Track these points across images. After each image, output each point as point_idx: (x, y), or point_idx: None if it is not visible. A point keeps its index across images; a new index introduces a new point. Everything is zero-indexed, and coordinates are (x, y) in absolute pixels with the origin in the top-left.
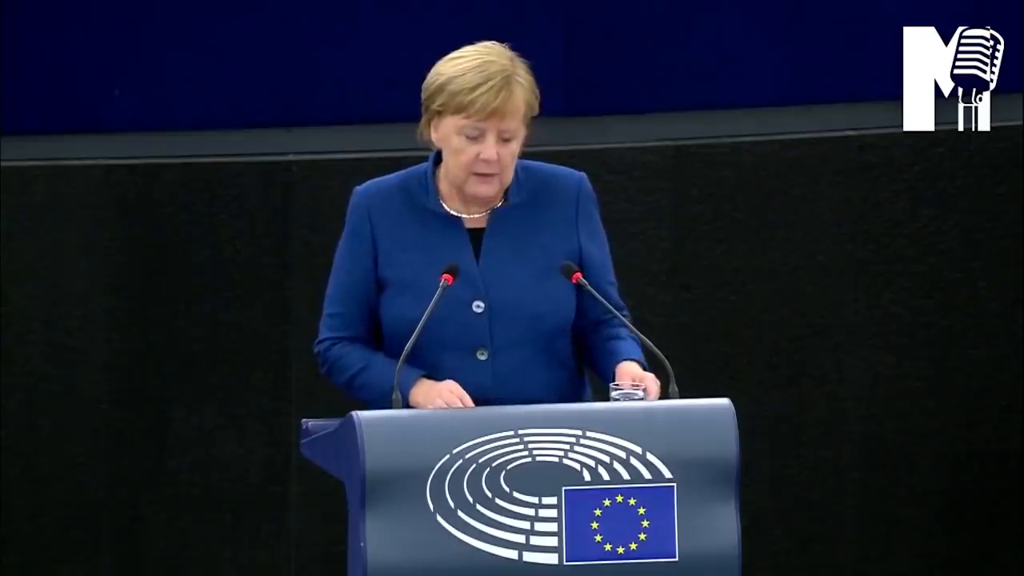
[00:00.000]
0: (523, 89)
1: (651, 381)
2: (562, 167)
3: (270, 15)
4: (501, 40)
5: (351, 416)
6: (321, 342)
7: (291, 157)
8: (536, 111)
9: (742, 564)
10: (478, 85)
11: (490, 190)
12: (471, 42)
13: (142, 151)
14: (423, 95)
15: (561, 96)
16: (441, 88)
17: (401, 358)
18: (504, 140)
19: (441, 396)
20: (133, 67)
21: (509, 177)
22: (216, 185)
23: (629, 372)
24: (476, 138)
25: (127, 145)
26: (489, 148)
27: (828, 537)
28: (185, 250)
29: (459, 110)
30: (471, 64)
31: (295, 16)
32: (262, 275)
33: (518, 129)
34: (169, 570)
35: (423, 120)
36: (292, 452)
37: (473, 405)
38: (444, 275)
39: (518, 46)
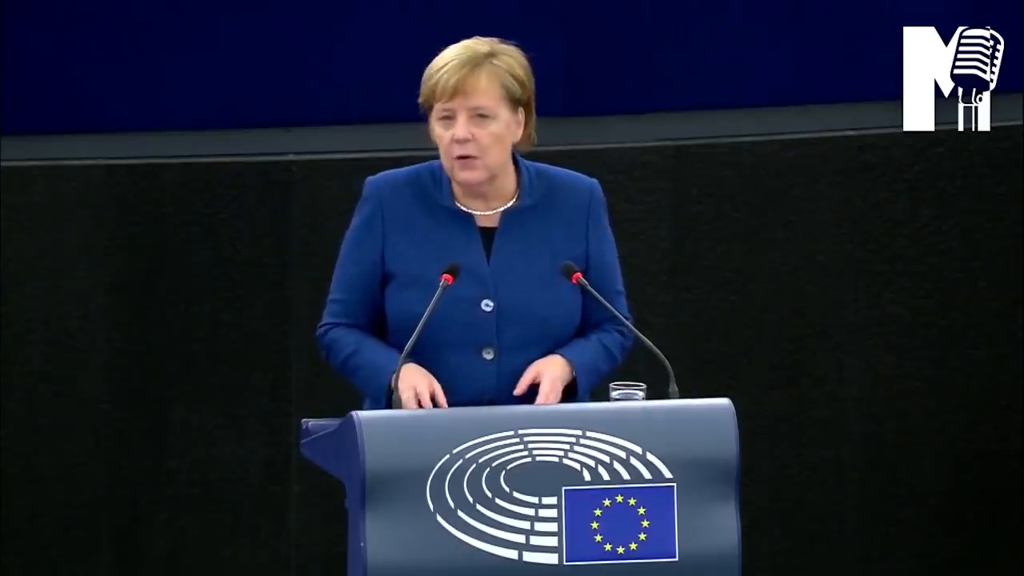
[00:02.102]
0: (497, 69)
1: (547, 381)
2: (575, 172)
3: (270, 15)
4: (501, 40)
5: (351, 416)
6: (322, 326)
7: (291, 157)
8: (522, 94)
9: (742, 564)
10: (441, 67)
11: (472, 175)
12: None
13: (142, 151)
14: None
15: (561, 96)
16: (423, 83)
17: (402, 356)
18: (479, 118)
19: (416, 387)
20: (133, 67)
21: (493, 161)
22: (216, 185)
23: (531, 372)
24: (449, 119)
25: (127, 145)
26: (460, 127)
27: (828, 537)
28: (185, 250)
29: (429, 97)
30: (449, 56)
31: (295, 16)
32: (262, 275)
33: (494, 108)
34: (169, 570)
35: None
36: (292, 452)
37: (430, 406)
38: (444, 275)
39: (518, 46)
